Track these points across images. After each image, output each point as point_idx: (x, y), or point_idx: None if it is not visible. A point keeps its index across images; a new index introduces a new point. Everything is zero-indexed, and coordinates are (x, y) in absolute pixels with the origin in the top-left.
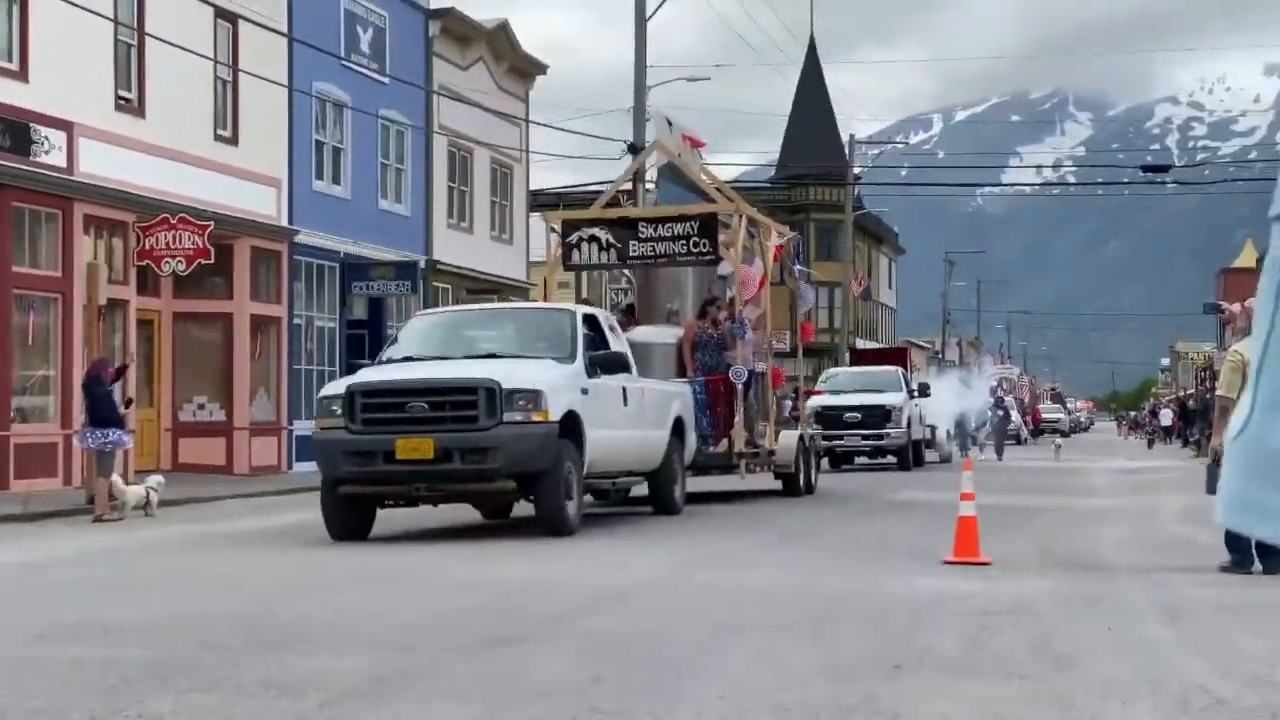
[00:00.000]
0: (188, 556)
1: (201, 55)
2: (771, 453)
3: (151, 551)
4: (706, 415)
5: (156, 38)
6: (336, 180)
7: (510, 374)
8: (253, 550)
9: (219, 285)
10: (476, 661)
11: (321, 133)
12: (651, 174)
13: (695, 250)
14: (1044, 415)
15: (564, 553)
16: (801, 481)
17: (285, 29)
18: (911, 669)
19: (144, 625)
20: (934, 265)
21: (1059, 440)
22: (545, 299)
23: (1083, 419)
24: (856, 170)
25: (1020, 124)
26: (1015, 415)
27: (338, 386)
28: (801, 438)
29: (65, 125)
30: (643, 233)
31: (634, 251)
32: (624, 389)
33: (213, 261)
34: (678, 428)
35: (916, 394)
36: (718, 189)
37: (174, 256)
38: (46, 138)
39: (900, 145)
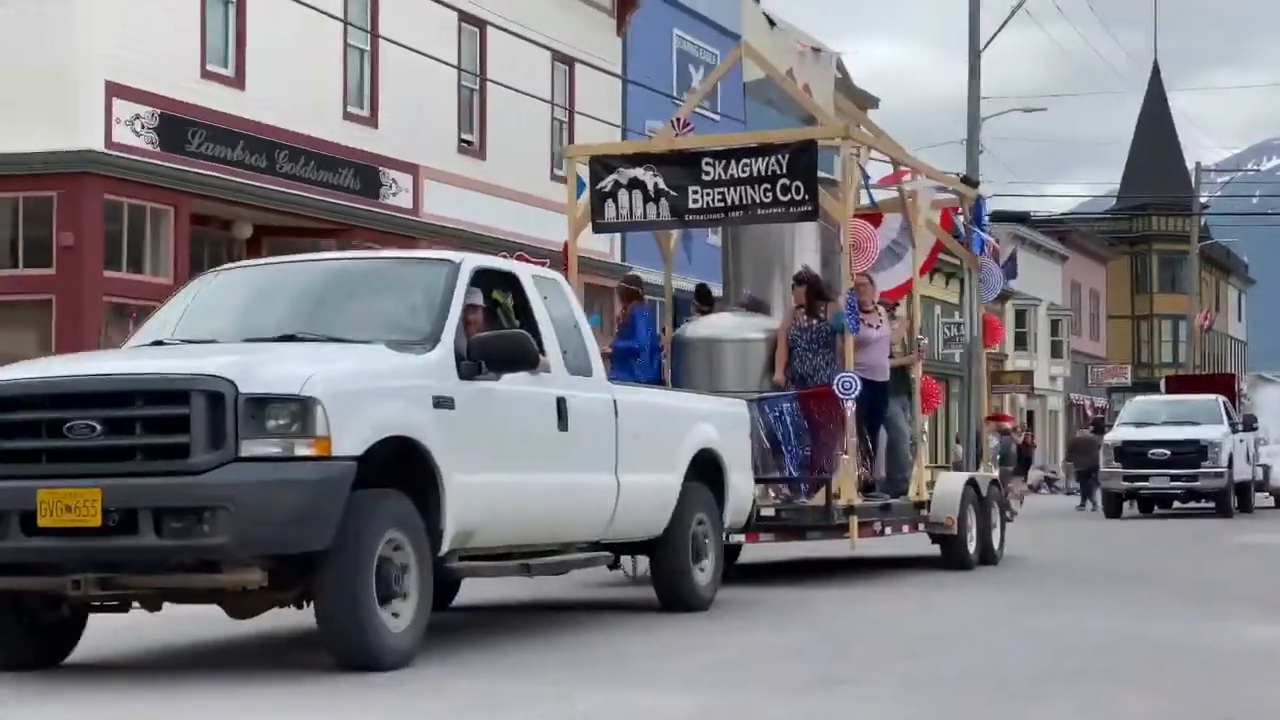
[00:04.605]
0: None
1: (539, 98)
2: (921, 505)
3: None
4: (796, 448)
5: (498, 83)
6: (713, 231)
7: (260, 367)
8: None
9: None
10: (799, 702)
11: None
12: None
13: (785, 199)
14: None
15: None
16: (972, 546)
17: (620, 70)
18: None
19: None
20: None
21: None
22: (567, 272)
23: None
24: (1203, 199)
25: None
26: None
27: None
28: (972, 483)
29: (411, 168)
30: (708, 173)
31: (695, 202)
32: (560, 401)
33: None
34: (705, 469)
35: (1241, 427)
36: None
37: None
38: (394, 180)
39: (1252, 172)
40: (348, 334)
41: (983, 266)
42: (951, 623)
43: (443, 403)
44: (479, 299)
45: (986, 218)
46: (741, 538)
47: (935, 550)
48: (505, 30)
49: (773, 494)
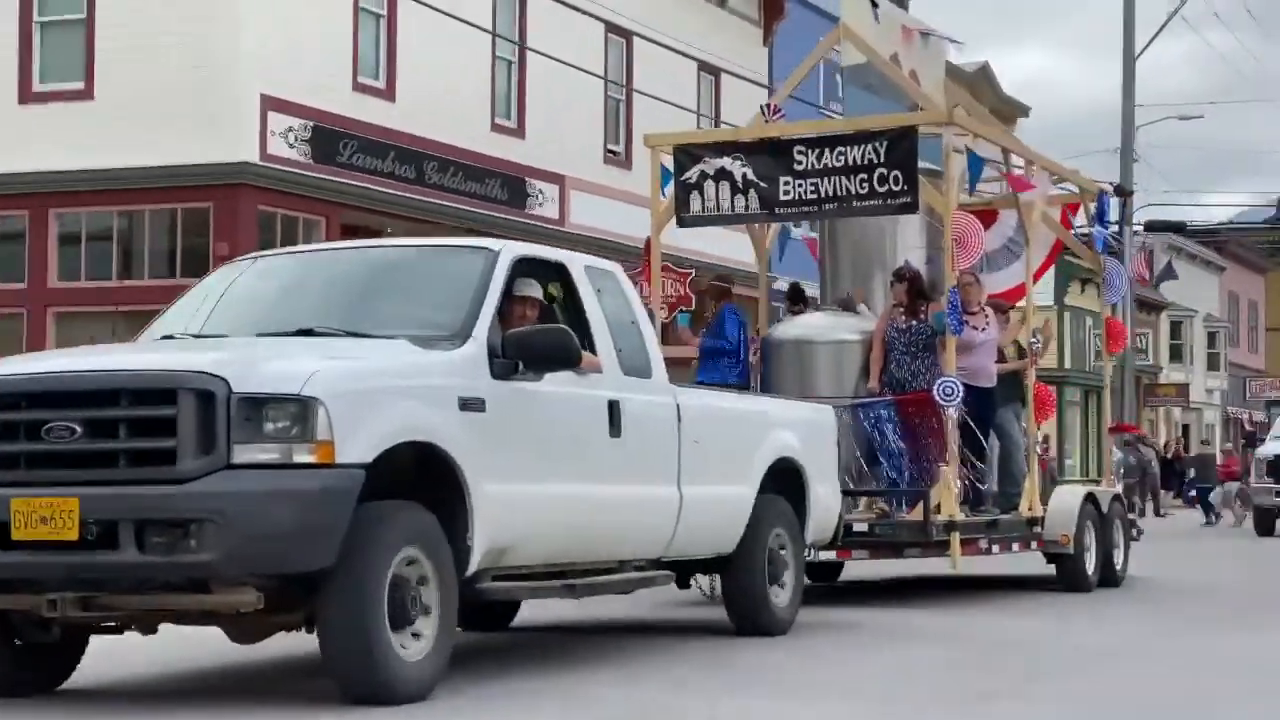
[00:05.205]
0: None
1: (685, 109)
2: (1034, 521)
3: None
4: (893, 458)
5: (644, 93)
6: (811, 226)
7: (258, 364)
8: None
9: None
10: (963, 713)
11: None
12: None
13: (883, 189)
14: None
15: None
16: (1090, 566)
17: (766, 80)
18: None
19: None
20: None
21: None
22: (648, 274)
23: None
24: None
25: None
26: None
27: None
28: (1090, 498)
29: (557, 178)
30: (800, 162)
31: (786, 193)
32: (613, 404)
33: (692, 309)
34: (784, 480)
35: None
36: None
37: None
38: (540, 190)
39: None
40: (372, 328)
41: (1105, 267)
42: (1091, 641)
43: (471, 404)
44: (536, 292)
45: (1110, 215)
46: (833, 555)
47: (1050, 570)
48: (651, 41)
49: (874, 508)
